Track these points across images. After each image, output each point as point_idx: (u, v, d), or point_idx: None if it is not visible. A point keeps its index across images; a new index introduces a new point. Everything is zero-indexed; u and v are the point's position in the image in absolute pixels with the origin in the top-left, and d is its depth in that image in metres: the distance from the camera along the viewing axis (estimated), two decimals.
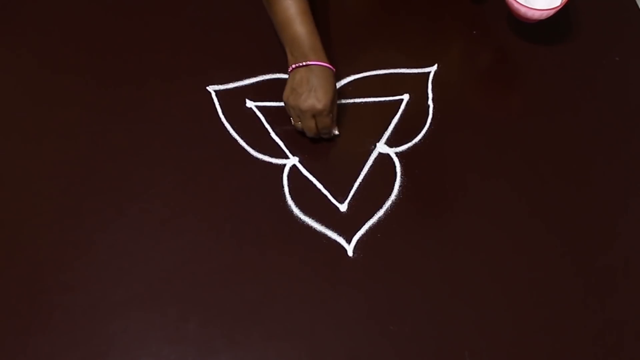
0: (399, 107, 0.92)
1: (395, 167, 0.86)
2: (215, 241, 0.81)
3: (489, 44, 0.99)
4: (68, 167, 0.87)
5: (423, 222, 0.84)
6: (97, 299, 0.77)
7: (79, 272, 0.78)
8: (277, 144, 0.88)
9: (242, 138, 0.89)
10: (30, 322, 0.75)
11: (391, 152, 0.88)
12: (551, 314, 0.76)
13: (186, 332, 0.75)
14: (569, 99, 0.94)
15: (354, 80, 0.94)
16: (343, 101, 0.92)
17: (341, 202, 0.84)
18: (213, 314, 0.76)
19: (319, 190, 0.85)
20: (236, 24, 0.99)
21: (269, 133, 0.89)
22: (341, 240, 0.81)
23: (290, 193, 0.84)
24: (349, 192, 0.84)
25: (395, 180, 0.85)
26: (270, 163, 0.87)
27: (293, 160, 0.87)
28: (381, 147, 0.88)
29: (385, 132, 0.89)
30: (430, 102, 0.92)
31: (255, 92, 0.92)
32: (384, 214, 0.82)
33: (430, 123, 0.90)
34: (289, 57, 0.84)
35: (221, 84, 0.93)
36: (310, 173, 0.86)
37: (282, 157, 0.87)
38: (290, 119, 0.86)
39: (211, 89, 0.93)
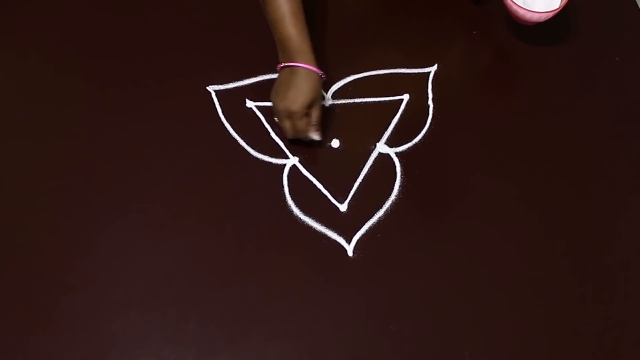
0: (399, 107, 0.92)
1: (395, 167, 0.86)
2: (215, 241, 0.81)
3: (489, 44, 0.99)
4: (68, 167, 0.87)
5: (423, 222, 0.84)
6: (97, 299, 0.77)
7: (79, 272, 0.78)
8: (277, 144, 0.88)
9: (242, 138, 0.89)
10: (30, 322, 0.75)
11: (391, 152, 0.88)
12: (551, 314, 0.76)
13: (186, 332, 0.75)
14: (569, 99, 0.94)
15: (354, 80, 0.94)
16: (343, 101, 0.92)
17: (341, 202, 0.84)
18: (213, 314, 0.76)
19: (319, 190, 0.85)
20: (236, 24, 0.99)
21: (269, 133, 0.89)
22: (341, 240, 0.81)
23: (290, 193, 0.84)
24: (349, 192, 0.84)
25: (395, 180, 0.85)
26: (270, 163, 0.87)
27: (293, 160, 0.87)
28: (381, 147, 0.88)
29: (385, 132, 0.89)
30: (430, 102, 0.92)
31: (255, 92, 0.92)
32: (384, 214, 0.82)
33: (430, 123, 0.90)
34: (279, 55, 0.84)
35: (221, 84, 0.93)
36: (310, 173, 0.86)
37: (282, 157, 0.87)
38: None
39: (211, 89, 0.93)
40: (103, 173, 0.86)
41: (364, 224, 0.82)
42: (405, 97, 0.93)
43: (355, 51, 0.97)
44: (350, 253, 0.80)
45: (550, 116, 0.91)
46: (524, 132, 0.90)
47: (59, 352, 0.73)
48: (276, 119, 0.85)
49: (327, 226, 0.82)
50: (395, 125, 0.90)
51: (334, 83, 0.93)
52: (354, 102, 0.92)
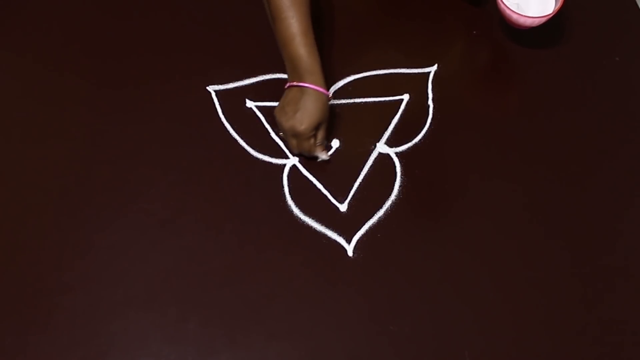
0: (399, 107, 0.92)
1: (395, 167, 0.86)
2: (215, 241, 0.81)
3: (489, 44, 0.99)
4: (68, 167, 0.87)
5: (423, 222, 0.84)
6: (97, 299, 0.77)
7: (79, 272, 0.78)
8: (277, 144, 0.88)
9: (242, 138, 0.89)
10: (30, 322, 0.75)
11: (391, 152, 0.88)
12: (551, 314, 0.76)
13: (186, 332, 0.75)
14: (569, 99, 0.94)
15: (354, 80, 0.94)
16: (343, 101, 0.92)
17: (341, 202, 0.84)
18: (213, 314, 0.76)
19: (319, 190, 0.85)
20: (236, 24, 0.99)
21: (269, 133, 0.89)
22: (341, 240, 0.81)
23: (290, 193, 0.84)
24: (349, 192, 0.84)
25: (395, 180, 0.85)
26: (270, 163, 0.87)
27: (293, 160, 0.87)
28: (381, 147, 0.88)
29: (385, 132, 0.89)
30: (430, 102, 0.92)
31: (255, 92, 0.92)
32: (384, 214, 0.82)
33: (430, 123, 0.90)
34: (288, 74, 0.84)
35: (221, 84, 0.93)
36: (310, 173, 0.86)
37: (282, 157, 0.87)
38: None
39: (211, 89, 0.93)
40: (103, 173, 0.86)
41: (364, 224, 0.82)
42: (405, 97, 0.93)
43: (355, 51, 0.97)
44: (350, 253, 0.80)
45: (550, 116, 0.91)
46: (524, 132, 0.90)
47: (59, 352, 0.73)
48: (281, 135, 0.86)
49: (327, 226, 0.82)
50: (395, 125, 0.90)
51: (334, 83, 0.93)
52: (354, 102, 0.92)
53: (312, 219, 0.82)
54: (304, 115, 0.80)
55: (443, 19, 1.01)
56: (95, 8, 1.02)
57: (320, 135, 0.84)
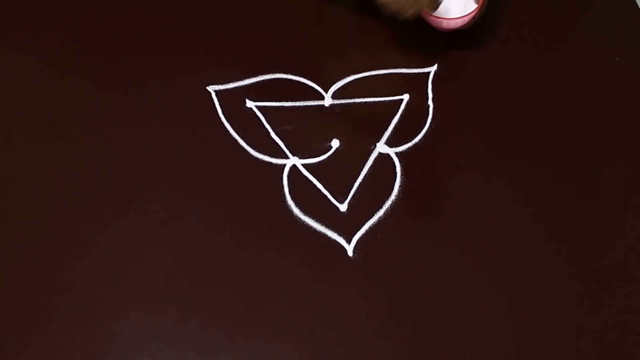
0: (399, 107, 0.92)
1: (395, 167, 0.86)
2: (215, 241, 0.81)
3: (489, 43, 0.99)
4: (68, 167, 0.87)
5: (423, 222, 0.84)
6: (97, 299, 0.77)
7: (79, 272, 0.78)
8: (277, 144, 0.88)
9: (242, 138, 0.89)
10: (30, 322, 0.75)
11: (391, 152, 0.88)
12: (551, 314, 0.76)
13: (186, 332, 0.75)
14: (569, 99, 0.94)
15: (354, 80, 0.94)
16: (343, 101, 0.92)
17: (341, 202, 0.84)
18: (213, 314, 0.76)
19: (319, 190, 0.85)
20: (236, 24, 0.99)
21: (269, 133, 0.89)
22: (341, 240, 0.81)
23: (290, 193, 0.84)
24: (349, 192, 0.84)
25: (395, 180, 0.85)
26: (270, 163, 0.87)
27: (293, 160, 0.87)
28: (381, 147, 0.88)
29: (385, 132, 0.89)
30: (430, 102, 0.92)
31: (255, 92, 0.92)
32: (384, 214, 0.82)
33: (430, 123, 0.90)
34: None
35: (221, 84, 0.93)
36: (310, 173, 0.86)
37: (282, 157, 0.87)
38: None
39: (211, 89, 0.93)
40: (103, 173, 0.86)
41: (364, 224, 0.82)
42: (405, 97, 0.93)
43: (355, 51, 0.97)
44: (350, 253, 0.80)
45: (550, 116, 0.91)
46: (524, 132, 0.90)
47: (59, 352, 0.73)
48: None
49: (327, 226, 0.82)
50: (395, 125, 0.90)
51: (334, 83, 0.93)
52: (354, 102, 0.92)
53: (312, 219, 0.82)
54: None
55: None
56: (95, 8, 1.02)
57: None
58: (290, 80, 0.93)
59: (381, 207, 0.83)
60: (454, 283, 0.78)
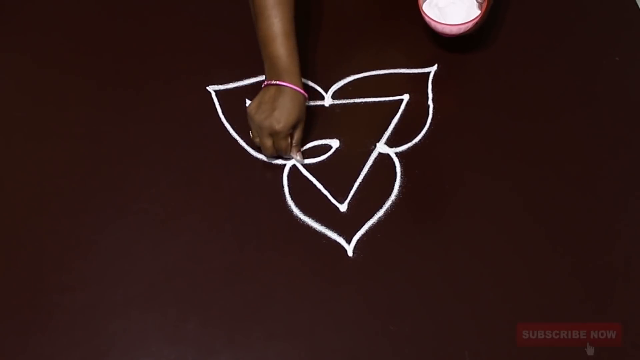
0: (399, 107, 0.92)
1: (395, 167, 0.86)
2: (215, 241, 0.81)
3: (489, 44, 0.99)
4: (68, 167, 0.87)
5: (423, 222, 0.84)
6: (97, 299, 0.77)
7: (79, 272, 0.78)
8: None
9: (242, 138, 0.89)
10: (30, 322, 0.75)
11: (391, 152, 0.88)
12: (551, 314, 0.76)
13: (186, 332, 0.75)
14: (568, 99, 0.94)
15: (354, 80, 0.94)
16: (343, 101, 0.92)
17: (341, 202, 0.84)
18: (213, 314, 0.76)
19: (319, 190, 0.85)
20: (236, 24, 0.99)
21: None
22: (341, 240, 0.81)
23: (290, 193, 0.84)
24: (349, 192, 0.84)
25: (395, 180, 0.85)
26: (270, 163, 0.87)
27: (293, 160, 0.87)
28: (381, 147, 0.88)
29: (385, 132, 0.89)
30: (430, 102, 0.92)
31: (255, 92, 0.92)
32: (384, 214, 0.82)
33: (430, 123, 0.90)
34: (266, 73, 0.84)
35: (221, 84, 0.93)
36: (310, 173, 0.86)
37: (282, 157, 0.87)
38: (249, 132, 0.85)
39: (211, 89, 0.93)
40: (103, 173, 0.86)
41: (364, 224, 0.82)
42: (405, 97, 0.93)
43: (355, 51, 0.97)
44: (350, 253, 0.80)
45: (550, 116, 0.91)
46: (523, 132, 0.90)
47: (59, 352, 0.73)
48: (254, 137, 0.84)
49: (327, 226, 0.82)
50: (395, 125, 0.90)
51: (334, 83, 0.93)
52: (354, 102, 0.92)
53: (312, 219, 0.82)
54: (282, 113, 0.80)
55: None
56: (95, 8, 1.02)
57: (297, 135, 0.84)
58: None
59: (381, 207, 0.83)
60: (454, 283, 0.78)
